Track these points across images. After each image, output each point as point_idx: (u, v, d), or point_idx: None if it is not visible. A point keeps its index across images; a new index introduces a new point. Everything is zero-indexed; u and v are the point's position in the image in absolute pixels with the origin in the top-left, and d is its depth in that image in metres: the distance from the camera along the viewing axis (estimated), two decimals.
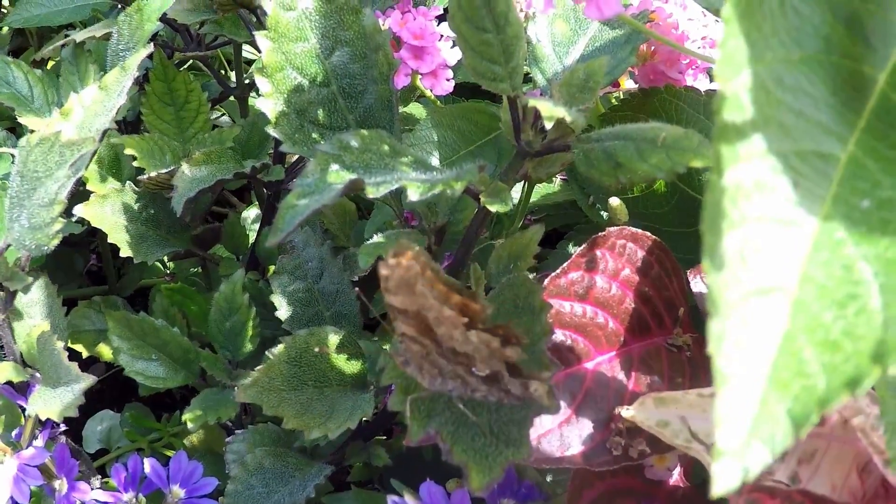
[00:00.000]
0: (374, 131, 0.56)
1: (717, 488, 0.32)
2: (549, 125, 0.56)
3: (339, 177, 0.53)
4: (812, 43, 0.41)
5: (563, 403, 0.57)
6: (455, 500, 0.57)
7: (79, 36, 0.76)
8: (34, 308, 0.71)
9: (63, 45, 0.78)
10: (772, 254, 0.36)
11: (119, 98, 0.65)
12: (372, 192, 0.51)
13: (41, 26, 0.89)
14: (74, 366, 0.62)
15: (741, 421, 0.33)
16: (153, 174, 0.70)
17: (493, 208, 0.57)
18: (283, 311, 0.68)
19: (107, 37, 0.74)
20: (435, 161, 0.68)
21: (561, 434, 0.57)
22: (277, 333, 0.72)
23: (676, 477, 0.64)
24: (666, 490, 0.63)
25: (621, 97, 0.69)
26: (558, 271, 0.58)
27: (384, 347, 0.67)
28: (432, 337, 0.50)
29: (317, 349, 0.63)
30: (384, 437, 0.75)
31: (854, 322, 0.36)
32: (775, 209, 0.37)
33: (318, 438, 0.67)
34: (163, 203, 0.73)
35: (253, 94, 0.85)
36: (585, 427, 0.57)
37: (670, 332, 0.62)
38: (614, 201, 0.66)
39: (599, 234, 0.59)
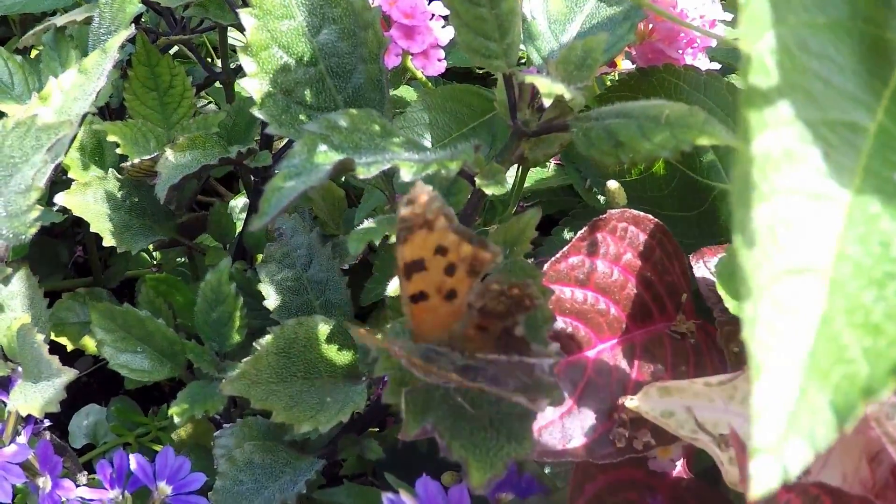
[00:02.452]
0: (363, 111, 0.52)
1: (756, 489, 0.28)
2: (547, 102, 0.51)
3: (327, 157, 0.49)
4: (836, 7, 0.37)
5: (564, 393, 0.53)
6: (453, 497, 0.53)
7: (59, 20, 0.72)
8: (15, 300, 0.66)
9: (44, 31, 0.73)
10: (804, 229, 0.32)
11: (99, 81, 0.60)
12: (363, 173, 0.47)
13: (24, 13, 0.84)
14: (55, 360, 0.58)
15: (779, 415, 0.29)
16: (136, 161, 0.66)
17: (488, 191, 0.53)
18: (271, 301, 0.64)
19: (89, 21, 0.69)
20: (427, 143, 0.63)
21: (563, 425, 0.53)
22: (266, 323, 0.67)
23: (679, 468, 0.60)
24: (669, 482, 0.59)
25: (618, 78, 0.65)
26: (558, 256, 0.54)
27: (377, 336, 0.63)
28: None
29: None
30: (377, 429, 0.71)
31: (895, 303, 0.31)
32: (806, 181, 0.32)
33: (308, 432, 0.63)
34: (147, 191, 0.68)
35: (240, 75, 0.80)
36: (588, 418, 0.53)
37: (673, 319, 0.57)
38: (612, 184, 0.61)
39: (600, 217, 0.55)
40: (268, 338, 0.58)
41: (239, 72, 0.78)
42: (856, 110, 0.35)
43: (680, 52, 0.62)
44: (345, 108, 0.58)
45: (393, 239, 0.48)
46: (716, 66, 0.64)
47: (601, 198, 0.66)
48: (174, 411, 0.64)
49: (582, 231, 0.54)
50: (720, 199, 0.61)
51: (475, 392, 0.48)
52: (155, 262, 0.82)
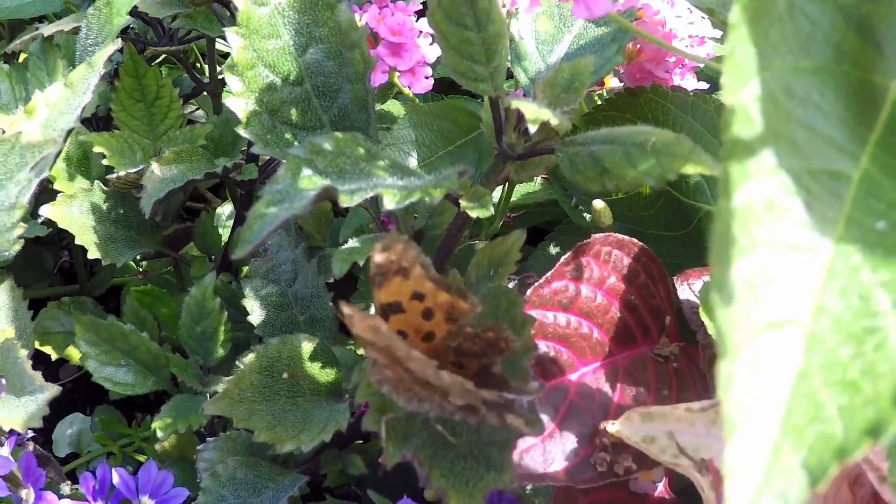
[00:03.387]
0: (348, 134, 0.51)
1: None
2: (532, 128, 0.51)
3: (311, 182, 0.48)
4: (821, 50, 0.37)
5: (546, 417, 0.53)
6: None
7: (47, 30, 0.71)
8: None
9: (32, 39, 0.72)
10: (784, 283, 0.32)
11: (85, 96, 0.60)
12: (345, 202, 0.46)
13: (12, 18, 0.83)
14: (38, 375, 0.57)
15: (751, 475, 0.28)
16: (122, 174, 0.65)
17: (473, 213, 0.52)
18: (255, 316, 0.63)
19: (76, 30, 0.69)
20: (413, 162, 0.63)
21: (544, 449, 0.52)
22: (251, 337, 0.67)
23: (661, 488, 0.60)
24: (651, 502, 0.59)
25: (606, 96, 0.64)
26: (542, 281, 0.53)
27: (359, 354, 0.63)
28: (404, 367, 0.45)
29: (286, 375, 0.58)
30: (361, 441, 0.70)
31: (873, 359, 0.31)
32: (787, 233, 0.32)
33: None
34: (132, 203, 0.68)
35: (227, 90, 0.79)
36: (569, 442, 0.53)
37: (656, 342, 0.57)
38: (598, 204, 0.61)
39: (584, 241, 0.54)
40: (250, 356, 0.57)
41: (225, 84, 0.78)
42: (840, 158, 0.35)
43: (668, 72, 0.61)
44: (330, 128, 0.58)
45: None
46: (704, 85, 0.63)
47: (587, 216, 0.66)
48: (157, 425, 0.64)
49: (566, 256, 0.54)
50: (706, 220, 0.61)
51: (455, 420, 0.47)
52: (141, 270, 0.81)
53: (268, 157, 0.70)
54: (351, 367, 0.61)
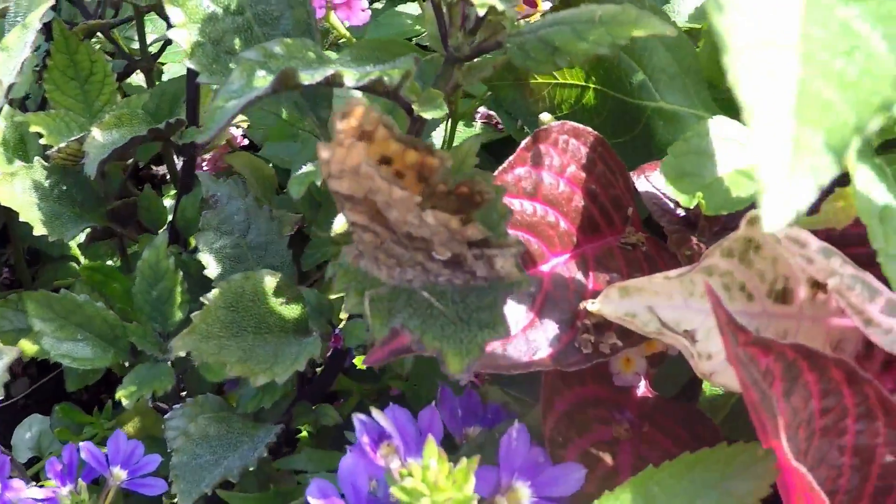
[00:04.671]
0: (298, 40, 0.50)
1: (767, 225, 0.26)
2: (481, 12, 0.50)
3: (265, 81, 0.46)
4: None
5: (523, 307, 0.51)
6: (423, 421, 0.50)
7: None
8: None
9: None
10: (769, 11, 0.30)
11: (23, 53, 0.58)
12: (306, 79, 0.44)
13: None
14: None
15: (780, 154, 0.27)
16: (62, 145, 0.62)
17: (427, 115, 0.51)
18: (212, 269, 0.61)
19: (3, 14, 0.66)
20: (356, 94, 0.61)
21: (526, 338, 0.50)
22: None
23: (644, 389, 0.58)
24: (635, 400, 0.57)
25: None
26: (504, 166, 0.52)
27: (323, 294, 0.60)
28: (385, 223, 0.43)
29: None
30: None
31: (867, 66, 0.30)
32: None
33: (262, 399, 0.60)
34: (75, 178, 0.65)
35: (160, 62, 0.77)
36: (550, 329, 0.51)
37: (621, 232, 0.56)
38: (545, 116, 0.60)
39: (541, 128, 0.53)
40: (215, 292, 0.55)
41: (158, 56, 0.76)
42: None
43: None
44: None
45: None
46: None
47: None
48: (122, 394, 0.60)
49: (525, 141, 0.52)
50: (654, 118, 0.60)
51: (439, 291, 0.45)
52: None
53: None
54: (315, 306, 0.59)
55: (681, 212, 0.58)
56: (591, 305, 0.50)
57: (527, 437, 0.48)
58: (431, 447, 0.42)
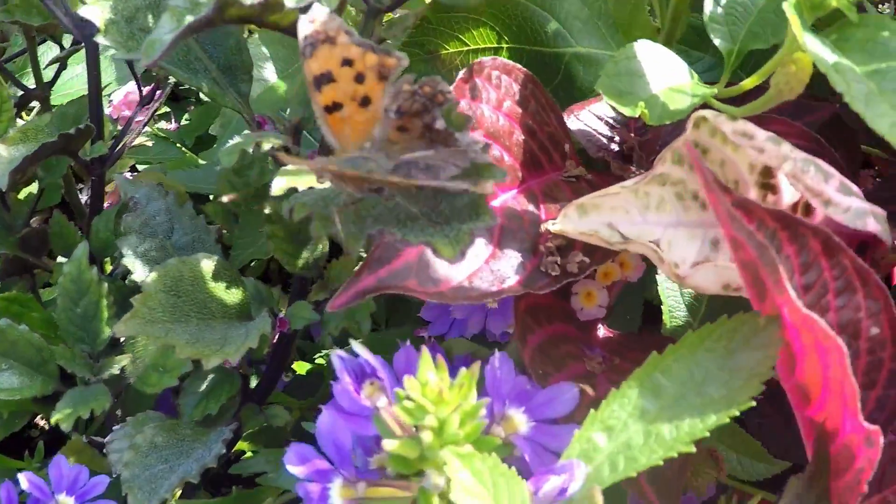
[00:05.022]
0: None
1: None
2: None
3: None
4: None
5: (482, 241, 0.48)
6: (399, 363, 0.46)
7: None
8: None
9: None
10: None
11: None
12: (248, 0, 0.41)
13: None
14: None
15: None
16: None
17: None
18: (139, 273, 0.56)
19: None
20: (272, 75, 0.58)
21: (490, 269, 0.47)
22: None
23: (604, 330, 0.55)
24: (600, 338, 0.54)
25: None
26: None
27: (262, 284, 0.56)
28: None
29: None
30: None
31: None
32: None
33: (207, 405, 0.55)
34: None
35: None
36: (514, 257, 0.48)
37: (561, 168, 0.54)
38: None
39: (474, 62, 0.51)
40: (153, 275, 0.50)
41: (52, 84, 0.71)
42: None
43: None
44: None
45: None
46: None
47: None
48: (58, 417, 0.55)
49: (461, 74, 0.50)
50: (573, 63, 0.59)
51: (412, 198, 0.42)
52: None
53: (115, 137, 0.64)
54: (255, 294, 0.55)
55: (615, 147, 0.57)
56: (552, 226, 0.48)
57: (510, 364, 0.45)
58: (427, 361, 0.39)
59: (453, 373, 0.50)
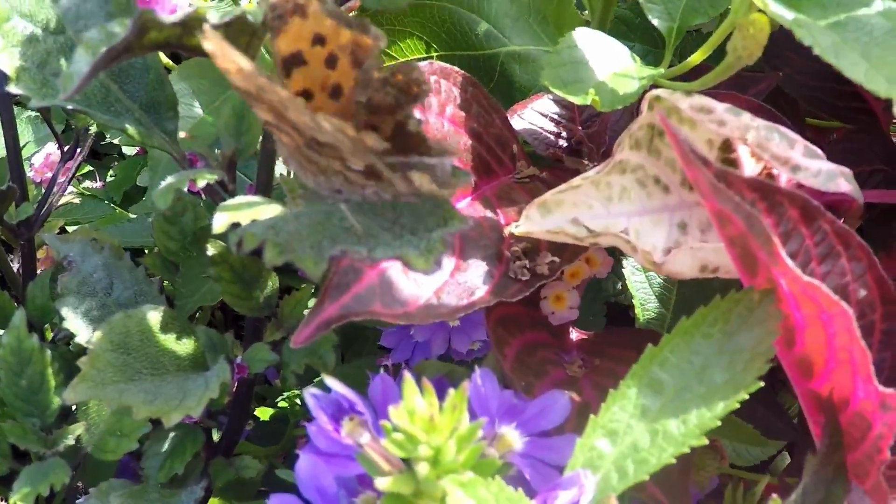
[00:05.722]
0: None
1: None
2: None
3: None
4: None
5: (443, 257, 0.43)
6: (376, 394, 0.41)
7: None
8: None
9: None
10: None
11: None
12: (167, 20, 0.37)
13: None
14: None
15: None
16: None
17: None
18: (83, 335, 0.51)
19: None
20: (198, 111, 0.53)
21: (457, 282, 0.43)
22: None
23: (576, 333, 0.51)
24: (575, 341, 0.50)
25: None
26: None
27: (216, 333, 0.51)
28: (290, 125, 0.36)
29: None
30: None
31: None
32: None
33: (172, 465, 0.50)
34: None
35: None
36: (479, 267, 0.44)
37: (512, 170, 0.50)
38: None
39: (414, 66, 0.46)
40: (97, 334, 0.45)
41: None
42: None
43: None
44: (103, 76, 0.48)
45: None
46: None
47: None
48: (18, 497, 0.49)
49: None
50: (509, 63, 0.55)
51: (372, 206, 0.38)
52: None
53: (41, 199, 0.58)
54: (207, 342, 0.50)
55: (563, 142, 0.53)
56: (515, 228, 0.43)
57: (494, 379, 0.41)
58: (411, 386, 0.34)
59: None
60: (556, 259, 0.44)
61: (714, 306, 0.38)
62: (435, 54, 0.56)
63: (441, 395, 0.47)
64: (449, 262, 0.43)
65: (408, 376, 0.34)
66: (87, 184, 0.78)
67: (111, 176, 0.81)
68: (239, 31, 0.40)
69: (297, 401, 0.63)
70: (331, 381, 0.38)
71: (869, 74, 0.37)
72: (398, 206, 0.38)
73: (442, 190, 0.36)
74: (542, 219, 0.44)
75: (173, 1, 0.53)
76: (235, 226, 0.41)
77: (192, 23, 0.38)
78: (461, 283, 0.43)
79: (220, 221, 0.42)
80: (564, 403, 0.41)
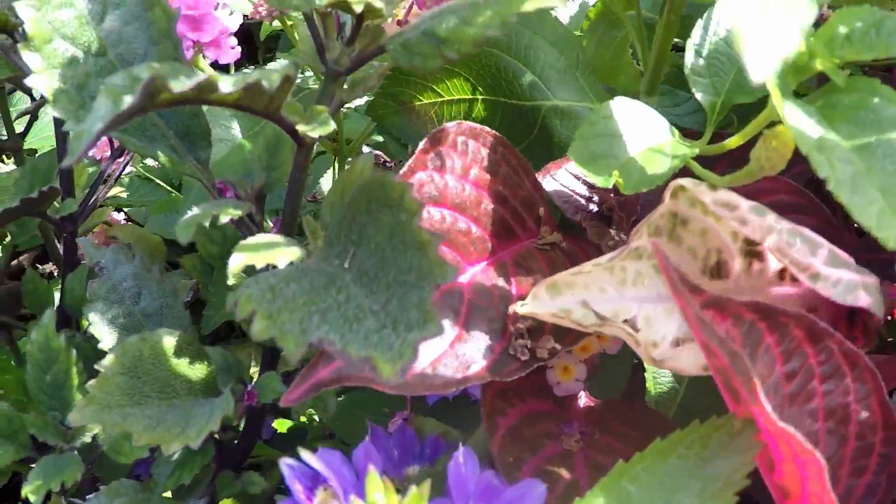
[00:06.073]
0: (167, 63, 0.42)
1: (755, 74, 0.20)
2: (358, 8, 0.42)
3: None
4: None
5: (447, 323, 0.43)
6: (359, 461, 0.41)
7: None
8: None
9: None
10: None
11: None
12: (177, 87, 0.36)
13: None
14: None
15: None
16: None
17: (314, 133, 0.43)
18: (107, 341, 0.52)
19: None
20: (236, 133, 0.53)
21: (456, 354, 0.43)
22: None
23: (585, 399, 0.50)
24: (579, 409, 0.49)
25: None
26: (403, 171, 0.45)
27: (230, 351, 0.51)
28: None
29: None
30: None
31: None
32: None
33: (180, 476, 0.51)
34: None
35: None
36: (481, 340, 0.43)
37: (536, 234, 0.49)
38: None
39: (438, 129, 0.46)
40: (109, 357, 0.46)
41: (25, 135, 0.67)
42: None
43: None
44: None
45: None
46: None
47: None
48: (29, 490, 0.51)
49: (422, 144, 0.45)
50: (550, 117, 0.53)
51: (368, 285, 0.37)
52: None
53: (84, 196, 0.59)
54: (222, 365, 0.50)
55: (594, 207, 0.52)
56: (521, 308, 0.43)
57: (475, 460, 0.40)
58: (374, 480, 0.34)
59: (425, 458, 0.46)
60: (557, 346, 0.43)
61: (693, 429, 0.36)
62: (479, 97, 0.55)
63: (436, 455, 0.47)
64: (451, 331, 0.43)
65: (372, 470, 0.34)
66: (149, 161, 0.78)
67: None
68: (255, 95, 0.39)
69: (315, 416, 0.64)
70: (306, 455, 0.38)
71: (882, 219, 0.34)
72: (392, 286, 0.38)
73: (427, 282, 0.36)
74: (551, 300, 0.43)
75: (221, 24, 0.53)
76: (252, 268, 0.41)
77: (206, 88, 0.37)
78: (460, 354, 0.42)
79: (236, 262, 0.42)
80: (540, 493, 0.40)
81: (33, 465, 0.52)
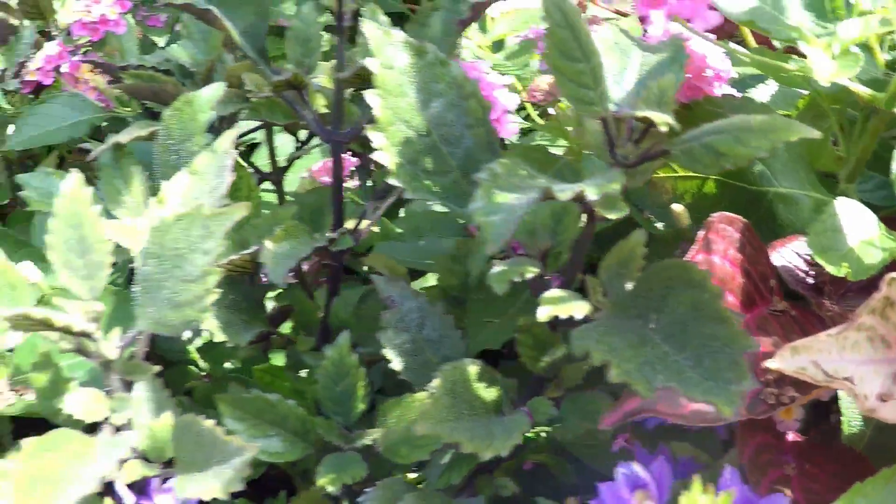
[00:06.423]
0: (509, 160, 0.76)
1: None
2: (663, 128, 0.77)
3: (504, 198, 0.72)
4: None
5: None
6: (654, 472, 0.75)
7: (122, 137, 0.91)
8: (142, 406, 0.83)
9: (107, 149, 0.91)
10: None
11: (219, 178, 0.81)
12: (562, 196, 0.70)
13: None
14: (231, 440, 0.75)
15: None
16: (234, 257, 0.86)
17: (611, 215, 0.77)
18: (396, 363, 0.85)
19: (150, 136, 0.89)
20: None
21: None
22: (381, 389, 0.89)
23: (792, 435, 0.85)
24: (793, 445, 0.84)
25: None
26: (691, 253, 0.79)
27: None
28: None
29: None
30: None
31: None
32: None
33: (450, 476, 0.85)
34: (239, 288, 0.89)
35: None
36: None
37: (769, 302, 0.83)
38: (677, 207, 0.87)
39: (709, 218, 0.80)
40: (436, 381, 0.79)
41: (286, 170, 1.01)
42: None
43: (710, 84, 0.89)
44: (458, 172, 0.82)
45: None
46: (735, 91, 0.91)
47: (658, 224, 0.92)
48: (324, 482, 0.83)
49: (700, 233, 0.79)
50: (776, 202, 0.88)
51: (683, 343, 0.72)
52: (204, 373, 1.01)
53: (352, 228, 0.93)
54: (509, 389, 0.84)
55: (810, 280, 0.86)
56: (771, 364, 0.77)
57: (738, 475, 0.75)
58: (696, 485, 0.69)
59: (678, 475, 0.81)
60: (797, 394, 0.78)
61: None
62: (712, 176, 0.89)
63: (687, 472, 0.82)
64: None
65: (696, 478, 0.69)
66: (352, 183, 1.12)
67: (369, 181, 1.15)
68: (605, 202, 0.74)
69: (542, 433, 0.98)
70: (635, 466, 0.73)
71: None
72: (698, 348, 0.72)
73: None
74: (792, 358, 0.77)
75: (502, 105, 0.88)
76: (556, 318, 0.75)
77: (580, 196, 0.72)
78: None
79: (544, 314, 0.76)
80: None
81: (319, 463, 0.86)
